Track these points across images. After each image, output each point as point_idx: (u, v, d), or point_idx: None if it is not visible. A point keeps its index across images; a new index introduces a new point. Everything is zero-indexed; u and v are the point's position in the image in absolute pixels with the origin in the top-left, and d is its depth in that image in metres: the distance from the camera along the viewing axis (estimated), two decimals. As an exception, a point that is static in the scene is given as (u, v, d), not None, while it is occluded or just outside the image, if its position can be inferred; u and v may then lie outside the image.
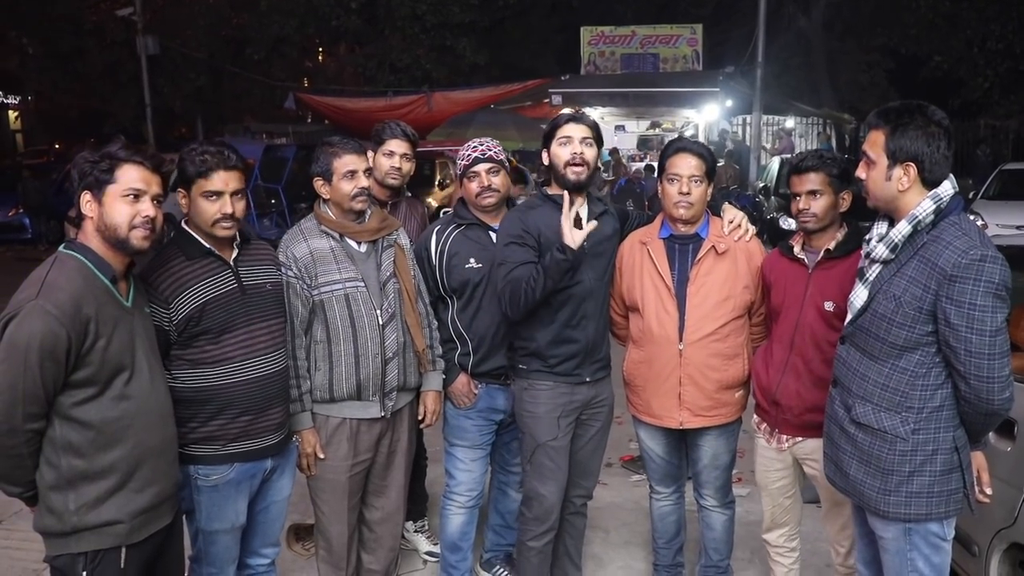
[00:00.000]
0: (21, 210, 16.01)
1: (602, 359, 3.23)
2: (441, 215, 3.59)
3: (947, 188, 2.30)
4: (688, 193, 3.01)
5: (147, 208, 2.26)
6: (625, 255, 3.21)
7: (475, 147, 3.31)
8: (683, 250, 3.11)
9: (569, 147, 3.04)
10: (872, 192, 2.38)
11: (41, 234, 15.57)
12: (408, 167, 3.60)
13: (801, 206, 2.88)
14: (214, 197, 2.56)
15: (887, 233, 2.36)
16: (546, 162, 3.12)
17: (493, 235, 3.26)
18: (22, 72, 24.21)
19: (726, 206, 3.24)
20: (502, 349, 3.30)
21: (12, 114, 31.81)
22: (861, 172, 2.41)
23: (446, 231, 3.32)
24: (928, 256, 2.26)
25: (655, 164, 3.31)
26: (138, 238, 2.26)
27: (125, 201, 2.24)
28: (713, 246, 3.07)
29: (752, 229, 3.18)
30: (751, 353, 3.20)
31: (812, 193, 2.86)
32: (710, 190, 3.09)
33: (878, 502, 2.41)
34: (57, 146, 26.78)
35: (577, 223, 2.87)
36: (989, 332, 2.19)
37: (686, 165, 3.03)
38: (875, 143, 2.34)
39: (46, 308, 2.10)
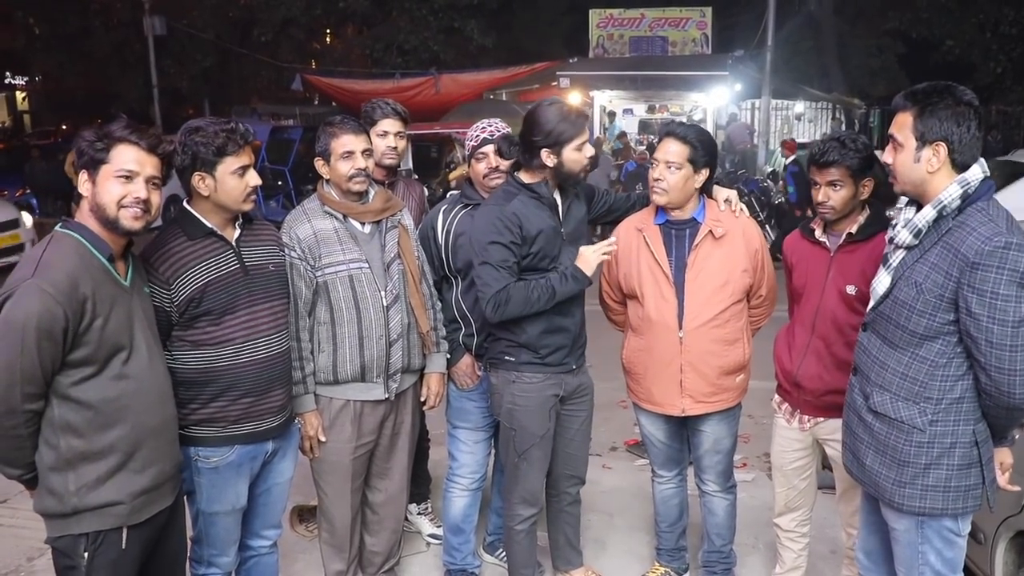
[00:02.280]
0: (29, 190, 16.00)
1: (584, 344, 3.20)
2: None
3: (976, 172, 2.22)
4: (660, 179, 2.97)
5: (138, 189, 2.23)
6: (621, 242, 3.16)
7: (483, 128, 3.28)
8: (680, 235, 3.08)
9: (584, 152, 2.96)
10: (900, 176, 2.30)
11: (49, 214, 15.56)
12: (402, 145, 3.56)
13: (820, 198, 2.84)
14: (242, 172, 2.56)
15: (912, 218, 2.29)
16: (549, 164, 2.93)
17: None
18: (29, 53, 24.21)
19: (716, 188, 3.18)
20: None
21: (20, 95, 31.84)
22: (888, 156, 2.33)
23: (452, 211, 3.30)
24: (951, 242, 2.19)
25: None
26: (127, 218, 2.22)
27: (117, 181, 2.21)
28: (710, 230, 3.04)
29: (741, 204, 3.14)
30: (751, 337, 3.19)
31: (832, 184, 2.81)
32: (698, 177, 3.00)
33: (892, 494, 2.36)
34: (64, 127, 26.76)
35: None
36: (1012, 323, 2.12)
37: (664, 150, 2.99)
38: (903, 125, 2.26)
39: (42, 287, 2.08)
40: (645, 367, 3.15)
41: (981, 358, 2.18)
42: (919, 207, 2.30)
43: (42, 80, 27.50)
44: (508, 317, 2.91)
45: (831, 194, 2.82)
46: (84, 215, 2.24)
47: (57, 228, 2.25)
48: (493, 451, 3.60)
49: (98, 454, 2.21)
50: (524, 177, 3.02)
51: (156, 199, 2.29)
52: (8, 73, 29.08)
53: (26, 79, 29.60)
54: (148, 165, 2.25)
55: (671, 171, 2.96)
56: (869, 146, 2.83)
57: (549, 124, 2.91)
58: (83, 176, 2.22)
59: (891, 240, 2.38)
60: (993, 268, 2.11)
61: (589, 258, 2.92)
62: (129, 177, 2.22)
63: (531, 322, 2.99)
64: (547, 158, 2.93)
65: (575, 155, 2.94)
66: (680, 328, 3.03)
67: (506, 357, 3.08)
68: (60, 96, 26.41)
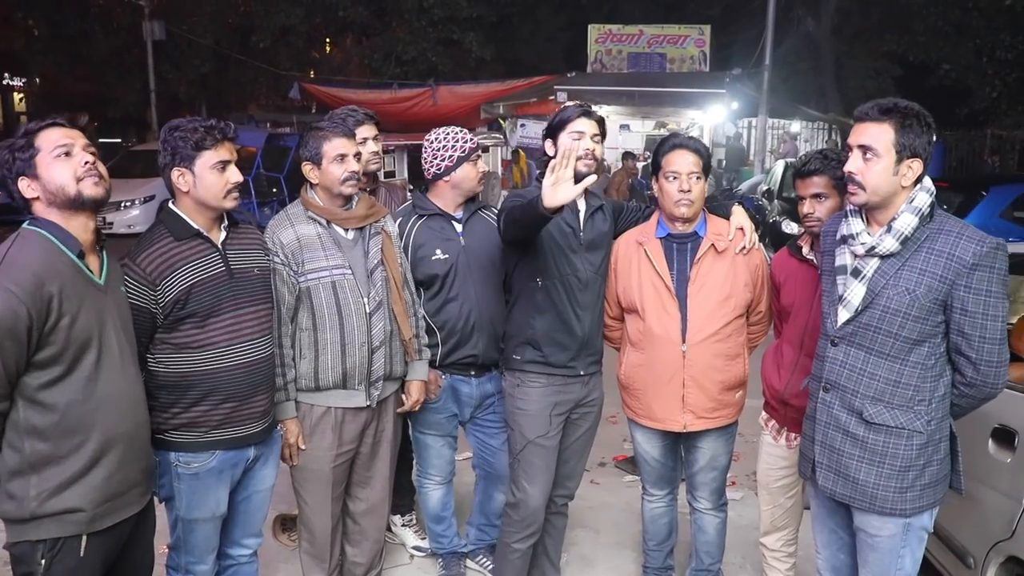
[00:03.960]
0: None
1: (597, 352, 3.18)
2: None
3: (929, 182, 2.35)
4: (688, 191, 2.95)
5: (80, 155, 2.21)
6: (620, 256, 3.14)
7: (463, 134, 3.27)
8: (681, 249, 3.05)
9: (581, 143, 2.95)
10: (873, 186, 2.30)
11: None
12: (379, 148, 3.57)
13: (806, 210, 2.83)
14: (222, 167, 2.53)
15: (892, 226, 2.32)
16: (551, 152, 3.02)
17: (456, 224, 3.27)
18: (27, 54, 24.17)
19: (736, 209, 3.14)
20: (472, 339, 3.27)
21: (17, 96, 31.79)
22: (855, 165, 2.31)
23: (408, 222, 3.28)
24: (939, 247, 2.28)
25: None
26: (90, 186, 2.20)
27: (57, 161, 2.17)
28: (712, 244, 3.01)
29: (755, 239, 3.09)
30: (749, 353, 3.16)
31: (817, 196, 2.81)
32: (707, 186, 3.05)
33: (895, 502, 2.39)
34: (61, 129, 26.71)
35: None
36: (1001, 318, 2.26)
37: (685, 162, 2.96)
38: (880, 137, 2.29)
39: (5, 285, 2.03)
40: (646, 383, 3.10)
41: (972, 354, 2.30)
42: (865, 218, 2.38)
43: (40, 82, 27.42)
44: (510, 227, 2.87)
45: (816, 206, 2.81)
46: (47, 212, 2.20)
47: (24, 225, 2.21)
48: (476, 475, 3.62)
49: (62, 458, 2.15)
50: None
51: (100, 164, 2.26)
52: (6, 74, 29.00)
53: (24, 80, 29.52)
54: (76, 136, 2.23)
55: (695, 181, 2.96)
56: None
57: (553, 116, 3.05)
58: (23, 183, 2.18)
59: (871, 249, 2.35)
60: (987, 268, 2.25)
61: (546, 185, 2.55)
62: (68, 152, 2.19)
63: (537, 321, 3.03)
64: (549, 148, 3.04)
65: (568, 141, 2.95)
66: (683, 342, 2.99)
67: (514, 356, 3.13)
68: (58, 98, 26.29)
